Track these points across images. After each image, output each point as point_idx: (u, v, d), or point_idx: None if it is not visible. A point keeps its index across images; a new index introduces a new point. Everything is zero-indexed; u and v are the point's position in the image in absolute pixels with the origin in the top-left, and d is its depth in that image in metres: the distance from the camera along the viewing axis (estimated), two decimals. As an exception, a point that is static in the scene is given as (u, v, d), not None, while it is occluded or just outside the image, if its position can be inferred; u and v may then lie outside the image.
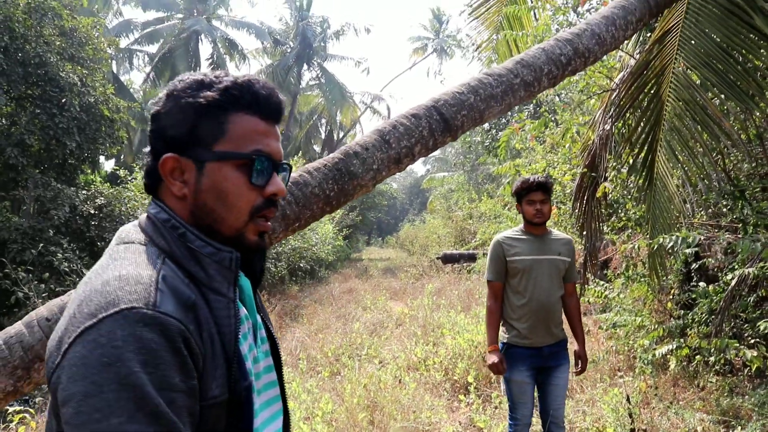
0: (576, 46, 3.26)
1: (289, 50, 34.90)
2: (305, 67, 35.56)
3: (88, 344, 0.91)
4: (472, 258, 15.78)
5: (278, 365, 1.32)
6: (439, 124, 3.08)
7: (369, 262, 26.60)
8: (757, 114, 4.84)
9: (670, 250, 4.60)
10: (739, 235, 5.74)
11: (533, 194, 3.85)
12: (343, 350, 7.65)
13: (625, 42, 5.29)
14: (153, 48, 30.54)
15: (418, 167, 73.15)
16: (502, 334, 3.94)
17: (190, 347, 0.98)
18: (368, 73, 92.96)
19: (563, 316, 4.02)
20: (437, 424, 5.18)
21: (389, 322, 9.94)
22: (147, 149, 1.20)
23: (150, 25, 30.24)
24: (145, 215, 1.18)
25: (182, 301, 1.01)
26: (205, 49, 32.33)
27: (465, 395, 5.97)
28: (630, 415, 4.67)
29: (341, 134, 39.78)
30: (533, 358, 3.84)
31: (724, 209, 6.45)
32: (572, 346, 4.11)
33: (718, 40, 4.07)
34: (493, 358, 3.82)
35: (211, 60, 30.49)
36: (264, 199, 1.17)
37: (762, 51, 4.35)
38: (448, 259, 16.83)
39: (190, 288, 1.06)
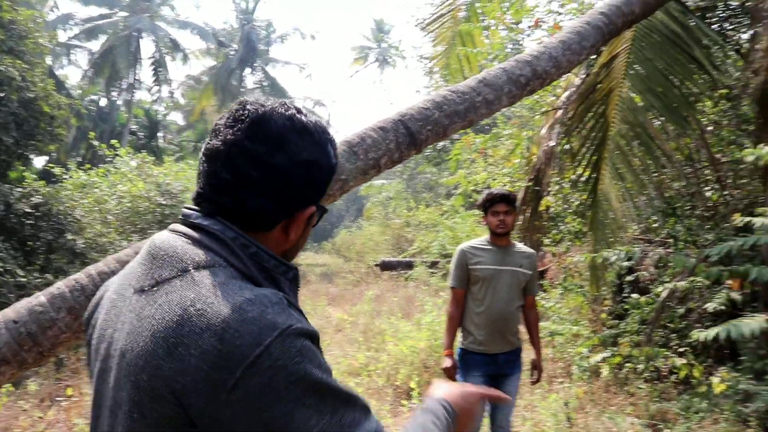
0: (534, 67, 3.43)
1: (232, 53, 34.57)
2: (248, 70, 35.30)
3: (268, 371, 0.92)
4: (409, 266, 15.95)
5: None
6: (405, 138, 3.19)
7: (306, 267, 26.50)
8: (690, 135, 5.16)
9: (609, 264, 4.85)
10: (669, 250, 6.08)
11: (497, 206, 3.98)
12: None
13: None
14: (92, 44, 29.81)
15: (355, 173, 73.10)
16: (460, 340, 4.07)
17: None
18: (311, 79, 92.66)
19: (521, 326, 4.17)
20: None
21: (329, 327, 9.99)
22: (263, 178, 1.10)
23: (91, 21, 29.45)
24: (186, 229, 1.11)
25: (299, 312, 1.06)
26: (147, 48, 31.72)
27: (407, 400, 6.09)
28: (568, 419, 4.89)
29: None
30: (488, 365, 3.97)
31: (654, 225, 6.80)
32: (530, 355, 4.25)
33: (660, 66, 4.34)
34: (447, 363, 3.95)
35: (153, 59, 29.90)
36: None
37: (697, 77, 4.66)
38: (386, 266, 16.97)
39: None
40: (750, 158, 3.42)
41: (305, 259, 34.81)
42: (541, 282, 9.06)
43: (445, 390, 1.33)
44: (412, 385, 6.16)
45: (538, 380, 4.20)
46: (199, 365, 0.93)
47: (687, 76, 4.56)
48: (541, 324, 6.99)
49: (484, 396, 1.41)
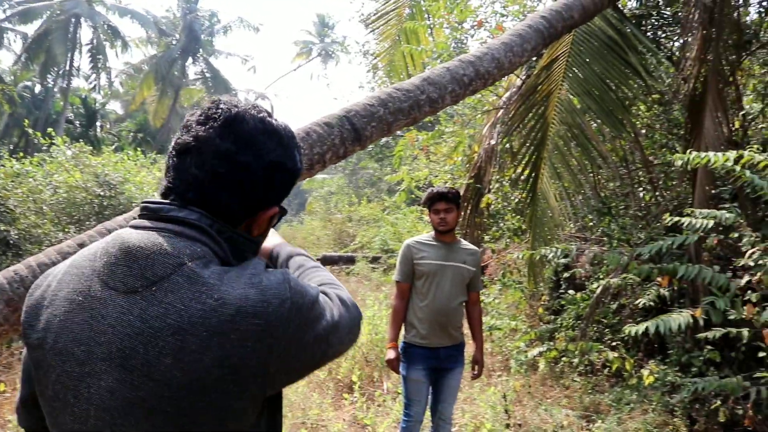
0: (478, 68, 3.52)
1: (174, 42, 33.89)
2: (190, 60, 34.67)
3: (298, 312, 1.10)
4: (351, 260, 15.98)
5: None
6: (350, 134, 3.23)
7: (246, 261, 26.24)
8: (625, 138, 5.35)
9: (547, 260, 4.99)
10: (604, 248, 6.29)
11: (437, 204, 4.05)
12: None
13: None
14: (27, 28, 28.73)
15: (297, 167, 72.69)
16: (404, 334, 4.13)
17: None
18: (254, 72, 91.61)
19: (464, 322, 4.26)
20: (324, 421, 5.32)
21: (271, 322, 9.94)
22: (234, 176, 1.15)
23: (25, 3, 28.35)
24: (163, 223, 1.12)
25: None
26: (85, 33, 30.80)
27: (349, 394, 6.14)
28: (506, 412, 5.02)
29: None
30: (429, 359, 4.04)
31: (590, 223, 7.02)
32: (472, 350, 4.34)
33: (597, 70, 4.49)
34: (390, 355, 4.01)
35: (91, 45, 29.01)
36: None
37: (632, 82, 4.83)
38: (327, 261, 16.94)
39: None
40: (678, 162, 3.57)
41: (246, 254, 34.49)
42: (481, 278, 9.25)
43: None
44: (354, 378, 6.20)
45: (479, 375, 4.29)
46: (244, 344, 1.01)
47: (622, 81, 4.73)
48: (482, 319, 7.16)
49: None
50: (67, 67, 28.77)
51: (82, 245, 2.55)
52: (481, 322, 4.33)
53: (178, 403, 1.00)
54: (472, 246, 4.27)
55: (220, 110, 1.16)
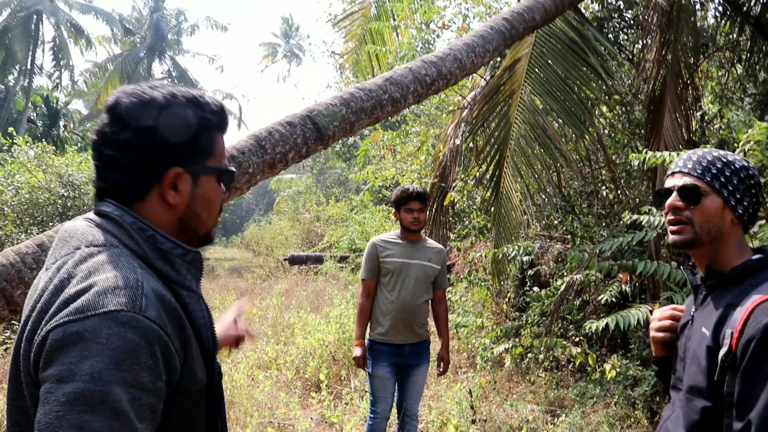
0: (440, 68, 3.57)
1: (140, 41, 33.48)
2: (156, 59, 34.26)
3: (70, 335, 1.00)
4: (319, 260, 15.97)
5: None
6: (312, 133, 3.25)
7: (215, 261, 26.05)
8: (587, 138, 5.44)
9: (510, 258, 5.06)
10: (569, 246, 6.39)
11: (412, 203, 4.08)
12: (192, 350, 7.56)
13: (477, 64, 5.75)
14: (-14, 25, 28.07)
15: (266, 167, 72.37)
16: (369, 331, 4.16)
17: (167, 350, 1.09)
18: (222, 71, 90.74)
19: (430, 319, 4.30)
20: (292, 420, 5.33)
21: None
22: (117, 154, 1.21)
23: (-17, -1, 27.78)
24: (95, 216, 1.23)
25: (164, 305, 1.13)
26: (47, 31, 30.20)
27: (317, 392, 6.15)
28: (472, 407, 5.07)
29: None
30: (395, 356, 4.08)
31: (556, 222, 7.13)
32: (435, 348, 4.39)
33: (560, 71, 4.57)
34: (357, 352, 4.04)
35: (53, 43, 28.46)
36: (221, 204, 1.37)
37: (593, 84, 4.92)
38: (295, 260, 16.91)
39: (166, 290, 1.17)
40: (635, 162, 3.66)
41: (213, 253, 34.23)
42: (448, 276, 9.32)
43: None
44: (321, 377, 6.22)
45: (444, 371, 4.33)
46: (45, 315, 1.06)
47: (584, 82, 4.82)
48: (448, 316, 7.22)
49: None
50: (29, 65, 28.22)
51: (41, 245, 2.54)
52: (446, 320, 4.37)
53: (16, 373, 1.12)
54: (437, 244, 4.32)
55: (108, 103, 1.24)
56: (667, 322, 1.78)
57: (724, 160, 1.63)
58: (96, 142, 1.23)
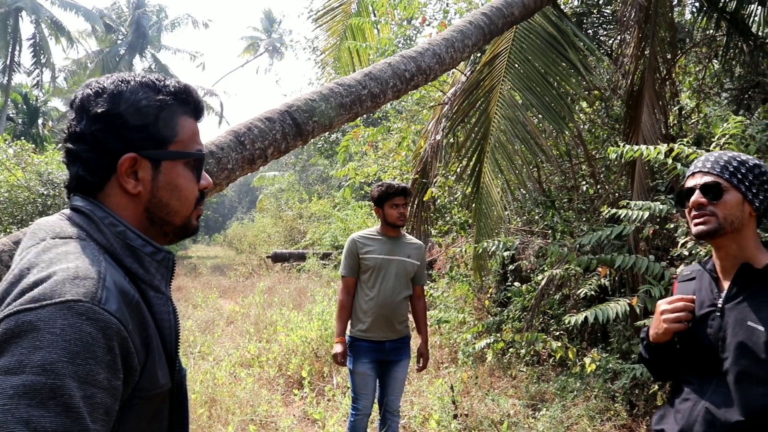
0: (419, 63, 3.57)
1: (121, 38, 33.17)
2: (137, 56, 33.98)
3: (22, 324, 0.94)
4: (302, 257, 15.95)
5: None
6: (291, 129, 3.24)
7: (197, 259, 25.93)
8: (567, 133, 5.48)
9: (491, 253, 5.08)
10: (549, 241, 6.43)
11: (397, 198, 4.09)
12: (175, 348, 7.53)
13: (458, 60, 5.76)
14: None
15: (248, 165, 72.19)
16: (350, 328, 4.16)
17: (126, 347, 1.03)
18: (204, 68, 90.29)
19: (409, 315, 4.31)
20: (274, 417, 5.32)
21: (221, 320, 9.88)
22: (74, 147, 1.19)
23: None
24: (69, 211, 1.19)
25: (126, 301, 1.07)
26: (26, 28, 29.76)
27: (299, 389, 6.15)
28: (453, 403, 5.09)
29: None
30: (375, 352, 4.09)
31: (537, 217, 7.16)
32: (416, 343, 4.40)
33: (539, 66, 4.59)
34: (337, 349, 4.04)
35: (33, 41, 28.10)
36: (200, 191, 1.31)
37: (572, 79, 4.95)
38: (278, 257, 16.87)
39: (131, 286, 1.12)
40: (613, 155, 3.69)
41: (196, 252, 34.10)
42: (429, 272, 9.33)
43: None
44: (304, 374, 6.21)
45: (424, 367, 4.35)
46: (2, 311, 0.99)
47: (564, 78, 4.84)
48: (429, 312, 7.23)
49: None
50: (8, 63, 27.87)
51: (17, 243, 2.51)
52: (425, 316, 4.39)
53: None
54: (416, 240, 4.33)
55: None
56: (683, 314, 1.88)
57: (739, 159, 1.82)
58: (63, 140, 1.22)
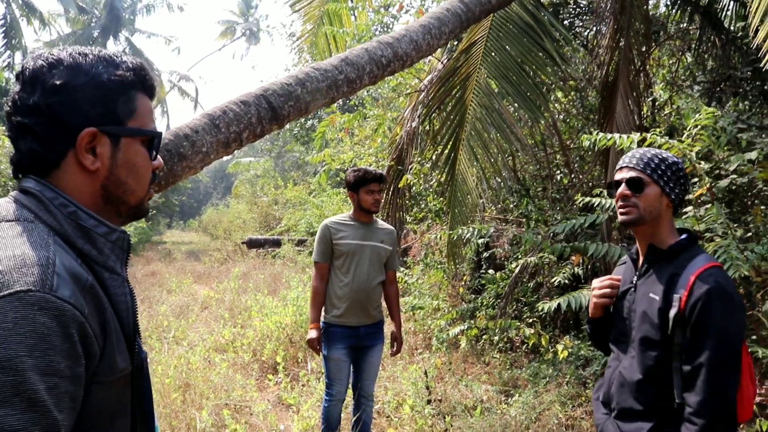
0: (396, 49, 3.56)
1: (94, 20, 32.61)
2: (111, 40, 33.43)
3: None
4: (277, 243, 15.91)
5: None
6: (267, 113, 3.23)
7: (172, 245, 25.75)
8: (542, 123, 5.51)
9: (466, 240, 5.12)
10: (523, 229, 6.49)
11: (372, 185, 4.08)
12: (149, 333, 7.48)
13: (435, 47, 5.77)
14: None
15: (224, 150, 71.69)
16: (324, 314, 4.17)
17: (84, 333, 1.01)
18: (179, 53, 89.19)
19: (382, 300, 4.33)
20: (248, 402, 5.32)
21: (195, 305, 9.83)
22: (26, 120, 1.13)
23: (-76, -26, 26.67)
24: (17, 192, 1.14)
25: (80, 285, 1.04)
26: (-3, 8, 29.04)
27: (273, 375, 6.15)
28: (427, 388, 5.13)
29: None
30: (350, 338, 4.10)
31: (511, 205, 7.22)
32: (389, 328, 4.42)
33: (515, 55, 4.61)
34: (312, 335, 4.04)
35: (3, 21, 27.49)
36: (153, 172, 1.28)
37: (548, 69, 4.98)
38: (253, 243, 16.81)
39: (83, 269, 1.08)
40: (586, 143, 3.73)
41: (171, 237, 33.86)
42: (405, 259, 9.36)
43: None
44: (278, 359, 6.21)
45: (398, 352, 4.37)
46: None
47: (539, 67, 4.87)
48: (404, 299, 7.27)
49: None
50: (-23, 44, 27.27)
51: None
52: (398, 300, 4.41)
53: None
54: (388, 225, 4.35)
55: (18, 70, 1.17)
56: (608, 290, 2.22)
57: (660, 156, 2.08)
58: (7, 113, 1.15)
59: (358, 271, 4.06)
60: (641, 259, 2.16)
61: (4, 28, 27.56)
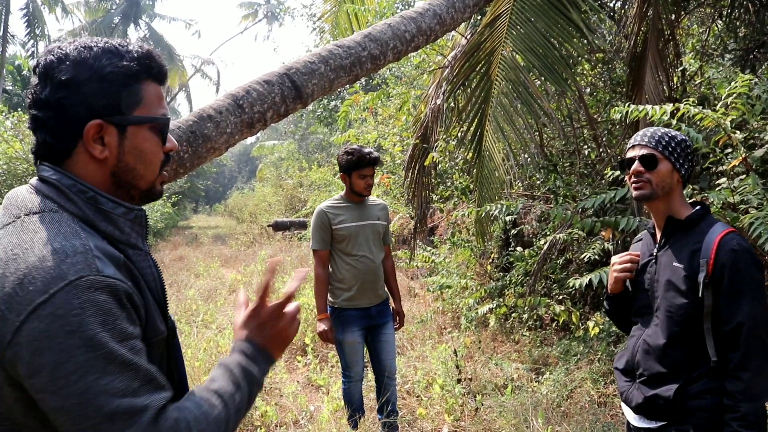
0: (419, 24, 3.50)
1: (114, 6, 32.72)
2: (131, 25, 33.55)
3: (46, 318, 1.01)
4: (302, 225, 15.95)
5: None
6: (290, 91, 3.19)
7: (198, 230, 25.98)
8: (569, 96, 5.40)
9: (493, 217, 5.05)
10: (551, 206, 6.39)
11: (366, 169, 4.05)
12: (178, 317, 7.55)
13: (458, 22, 5.65)
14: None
15: (247, 134, 71.86)
16: (330, 300, 4.13)
17: (133, 301, 1.13)
18: (199, 36, 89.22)
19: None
20: (278, 383, 5.34)
21: (223, 288, 9.90)
22: (40, 114, 1.21)
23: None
24: (36, 181, 1.22)
25: (116, 263, 1.14)
26: (18, -3, 29.29)
27: (302, 356, 6.17)
28: (457, 367, 5.11)
29: (168, 99, 38.12)
30: (363, 319, 4.09)
31: (538, 182, 7.12)
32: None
33: (541, 27, 4.50)
34: (323, 326, 4.01)
35: (26, 10, 27.69)
36: (165, 154, 1.34)
37: (575, 40, 4.87)
38: (279, 226, 16.87)
39: (113, 248, 1.18)
40: (617, 116, 3.63)
41: (197, 221, 34.15)
42: (431, 238, 9.31)
43: (242, 325, 1.36)
44: (307, 341, 6.24)
45: (401, 326, 4.37)
46: (1, 306, 1.04)
47: (566, 39, 4.75)
48: (432, 278, 7.24)
49: (286, 300, 1.39)
50: (1, 34, 27.52)
51: None
52: (395, 274, 4.40)
53: None
54: (380, 201, 4.36)
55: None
56: (629, 264, 2.32)
57: (670, 134, 2.21)
58: (27, 106, 1.23)
59: (363, 251, 4.05)
60: (658, 233, 2.27)
61: (27, 18, 27.75)
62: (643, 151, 2.19)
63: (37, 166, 1.25)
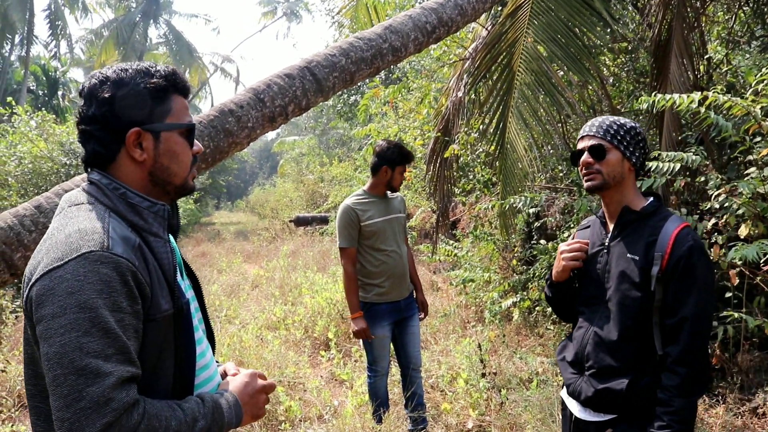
0: (440, 15, 3.46)
1: (134, 5, 32.94)
2: (152, 24, 33.77)
3: (55, 279, 1.25)
4: (324, 220, 15.97)
5: (200, 298, 1.71)
6: (312, 85, 3.17)
7: (220, 226, 26.12)
8: (592, 86, 5.33)
9: (517, 210, 5.00)
10: (575, 198, 6.32)
11: (407, 166, 4.07)
12: (201, 312, 7.59)
13: (479, 14, 5.59)
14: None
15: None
16: (361, 295, 4.09)
17: (137, 279, 1.33)
18: (218, 33, 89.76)
19: None
20: (301, 378, 5.34)
21: (245, 284, 9.94)
22: (88, 128, 1.46)
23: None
24: (86, 183, 1.48)
25: (129, 244, 1.36)
26: (42, -1, 29.70)
27: (326, 351, 6.17)
28: (481, 361, 5.07)
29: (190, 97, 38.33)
30: (393, 313, 4.08)
31: (561, 174, 7.04)
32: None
33: (563, 17, 4.45)
34: (361, 325, 3.98)
35: (48, 11, 28.01)
36: (193, 155, 1.59)
37: (598, 29, 4.80)
38: (300, 221, 16.90)
39: (133, 234, 1.40)
40: (644, 105, 3.57)
41: (219, 218, 34.34)
42: (454, 231, 9.27)
43: (234, 385, 1.55)
44: (330, 335, 6.23)
45: (425, 315, 4.35)
46: (30, 271, 1.34)
47: (588, 28, 4.69)
48: (455, 272, 7.20)
49: (265, 388, 1.60)
50: (25, 35, 27.84)
51: (39, 207, 2.49)
52: (414, 264, 4.39)
53: (27, 337, 1.39)
54: (397, 193, 4.31)
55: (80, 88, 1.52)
56: (578, 253, 2.29)
57: (619, 122, 2.20)
58: (77, 122, 1.49)
59: (391, 246, 4.05)
60: (610, 222, 2.26)
61: (50, 19, 28.05)
62: (592, 142, 2.19)
63: (88, 173, 1.50)
